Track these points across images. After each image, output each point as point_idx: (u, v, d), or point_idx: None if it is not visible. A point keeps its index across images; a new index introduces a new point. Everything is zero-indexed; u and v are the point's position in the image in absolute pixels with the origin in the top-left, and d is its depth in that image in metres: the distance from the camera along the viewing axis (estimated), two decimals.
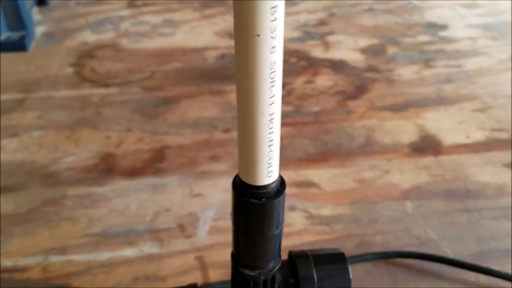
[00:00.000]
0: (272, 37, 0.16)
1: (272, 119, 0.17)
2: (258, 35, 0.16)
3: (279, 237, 0.23)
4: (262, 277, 0.24)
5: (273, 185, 0.20)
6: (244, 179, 0.20)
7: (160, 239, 0.47)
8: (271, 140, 0.18)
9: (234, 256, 0.25)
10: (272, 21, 0.15)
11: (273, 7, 0.15)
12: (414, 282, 0.44)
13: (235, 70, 0.17)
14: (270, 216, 0.21)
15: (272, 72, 0.17)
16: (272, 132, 0.18)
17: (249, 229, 0.22)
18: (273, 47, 0.16)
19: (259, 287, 0.25)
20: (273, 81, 0.17)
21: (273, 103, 0.17)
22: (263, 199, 0.20)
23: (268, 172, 0.19)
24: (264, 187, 0.20)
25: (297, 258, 0.25)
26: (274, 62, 0.17)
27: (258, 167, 0.19)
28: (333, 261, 0.25)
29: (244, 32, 0.16)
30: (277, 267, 0.25)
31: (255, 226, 0.22)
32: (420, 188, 0.53)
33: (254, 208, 0.21)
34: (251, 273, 0.24)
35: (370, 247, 0.47)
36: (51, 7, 0.86)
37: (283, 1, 0.15)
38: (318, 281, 0.25)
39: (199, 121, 0.62)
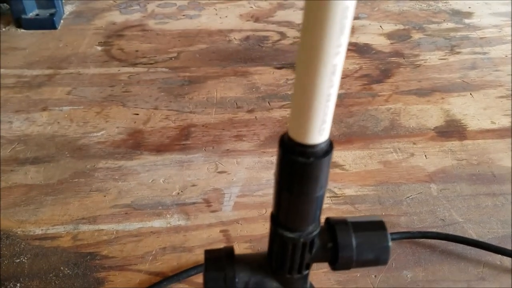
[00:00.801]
0: None
1: (335, 71, 0.17)
2: None
3: (321, 199, 0.24)
4: (301, 240, 0.24)
5: (323, 145, 0.20)
6: (293, 136, 0.20)
7: (187, 212, 0.48)
8: (329, 95, 0.18)
9: (274, 217, 0.25)
10: None
11: None
12: (439, 263, 0.44)
13: (303, 14, 0.17)
14: (316, 176, 0.21)
15: (343, 19, 0.16)
16: (332, 86, 0.18)
17: (294, 188, 0.22)
18: None
19: (298, 250, 0.25)
20: (344, 28, 0.16)
21: (338, 53, 0.17)
22: (311, 158, 0.21)
23: (320, 130, 0.19)
24: (314, 146, 0.20)
25: (336, 224, 0.26)
26: (348, 7, 0.16)
27: (311, 124, 0.19)
28: (373, 228, 0.25)
29: None
30: (317, 231, 0.25)
31: (300, 186, 0.22)
32: (445, 172, 0.53)
33: (301, 166, 0.21)
34: (291, 235, 0.24)
35: (395, 228, 0.47)
36: None
37: None
38: (357, 247, 0.25)
39: (224, 101, 0.63)
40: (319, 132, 0.20)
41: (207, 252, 0.27)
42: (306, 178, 0.21)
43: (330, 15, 0.16)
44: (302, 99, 0.19)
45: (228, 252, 0.27)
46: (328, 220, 0.26)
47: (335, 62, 0.17)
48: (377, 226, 0.25)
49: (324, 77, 0.17)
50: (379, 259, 0.25)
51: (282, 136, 0.22)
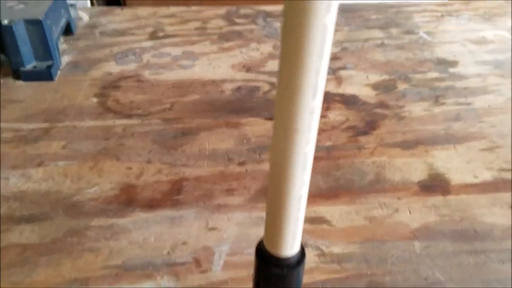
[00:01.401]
0: (308, 132, 0.18)
1: (300, 200, 0.20)
2: (296, 130, 0.18)
3: None
4: None
5: (295, 256, 0.23)
6: (268, 248, 0.23)
7: (176, 274, 0.49)
8: (297, 217, 0.21)
9: None
10: (310, 121, 0.18)
11: (311, 110, 0.17)
12: None
13: (269, 158, 0.19)
14: (290, 285, 0.23)
15: (304, 162, 0.19)
16: (299, 211, 0.20)
17: None
18: (307, 141, 0.18)
19: None
20: (305, 169, 0.19)
21: (303, 186, 0.20)
22: (284, 269, 0.23)
23: (292, 244, 0.22)
24: (287, 258, 0.22)
25: None
26: (307, 153, 0.19)
27: (283, 241, 0.21)
28: None
29: (283, 125, 0.18)
30: None
31: None
32: (429, 228, 0.55)
33: (275, 276, 0.23)
34: None
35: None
36: (76, 37, 0.90)
37: (320, 104, 0.18)
38: None
39: (216, 153, 0.65)
40: (291, 246, 0.22)
41: None
42: (281, 286, 0.23)
43: (292, 161, 0.19)
44: (274, 220, 0.21)
45: None
46: None
47: (300, 195, 0.20)
48: None
49: (292, 206, 0.20)
50: None
51: (259, 245, 0.24)
